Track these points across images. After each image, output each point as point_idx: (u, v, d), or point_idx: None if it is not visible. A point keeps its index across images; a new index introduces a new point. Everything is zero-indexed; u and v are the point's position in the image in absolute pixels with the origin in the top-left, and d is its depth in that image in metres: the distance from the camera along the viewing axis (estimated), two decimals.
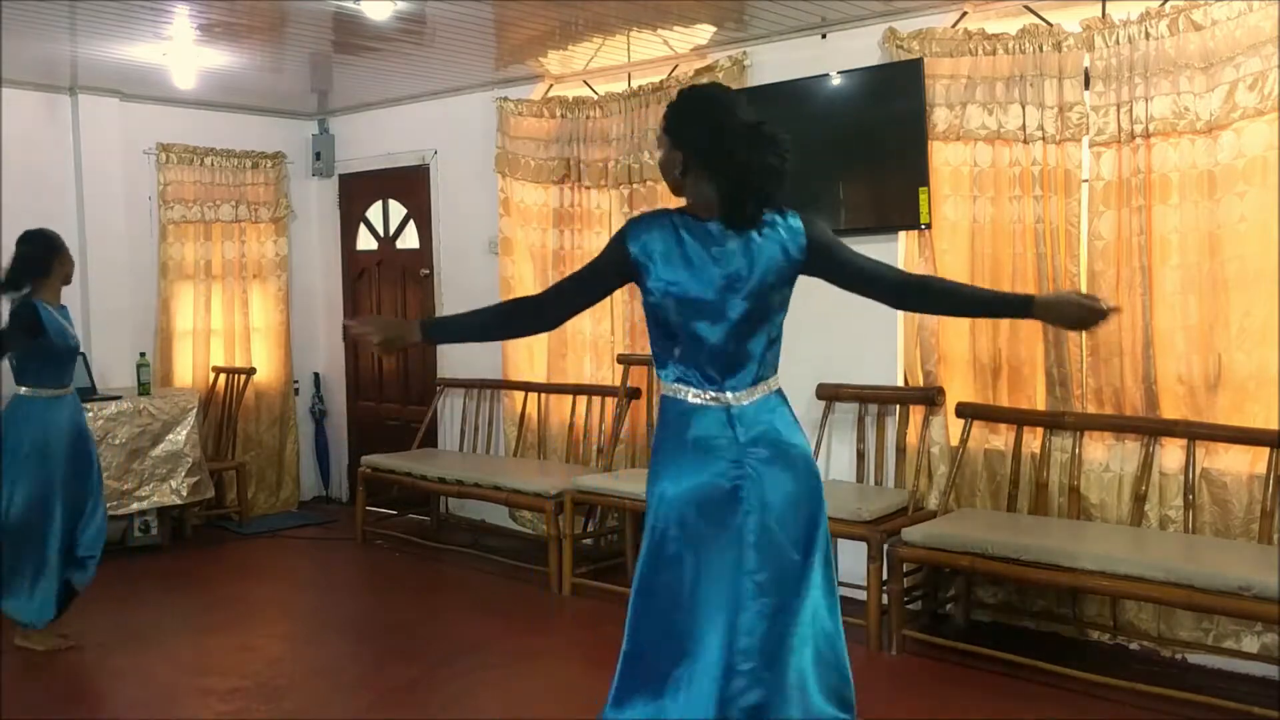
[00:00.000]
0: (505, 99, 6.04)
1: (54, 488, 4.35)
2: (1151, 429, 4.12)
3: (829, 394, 4.90)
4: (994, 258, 4.49)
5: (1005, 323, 4.47)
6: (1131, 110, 4.07)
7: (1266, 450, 3.85)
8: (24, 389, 4.35)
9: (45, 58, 5.42)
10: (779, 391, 2.50)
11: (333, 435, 7.47)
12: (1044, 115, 4.28)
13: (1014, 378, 4.50)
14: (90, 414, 5.66)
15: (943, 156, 4.58)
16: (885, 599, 4.25)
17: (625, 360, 5.55)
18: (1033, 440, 4.42)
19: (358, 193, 7.23)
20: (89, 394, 5.87)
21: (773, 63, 5.06)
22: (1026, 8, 4.39)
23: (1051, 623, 4.40)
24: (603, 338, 5.87)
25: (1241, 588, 3.41)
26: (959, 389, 4.63)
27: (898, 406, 4.75)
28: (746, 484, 2.39)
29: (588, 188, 5.82)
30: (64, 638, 4.45)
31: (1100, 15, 4.19)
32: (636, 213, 5.45)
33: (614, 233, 2.51)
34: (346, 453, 7.40)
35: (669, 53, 5.29)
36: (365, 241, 7.24)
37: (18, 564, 4.33)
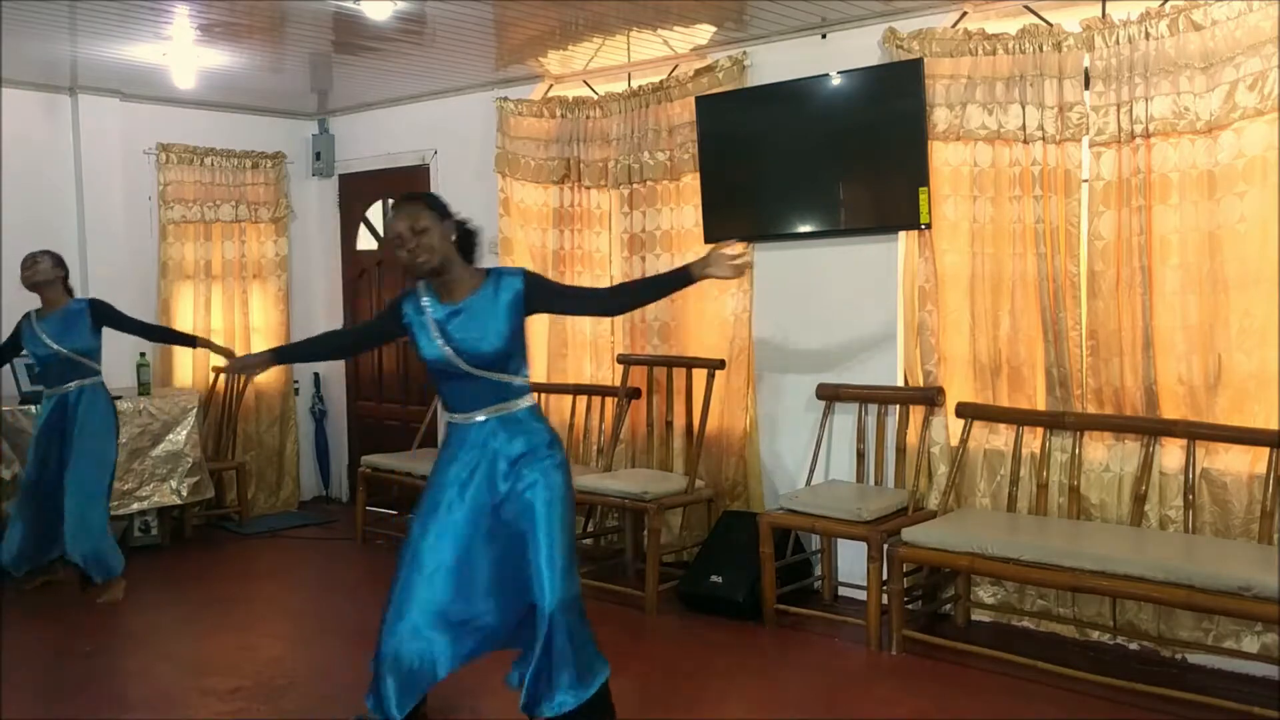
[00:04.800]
0: (505, 99, 6.04)
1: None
2: (1151, 429, 4.12)
3: (829, 394, 4.90)
4: (994, 258, 4.49)
5: (1005, 323, 4.48)
6: (1131, 110, 4.07)
7: (1266, 450, 3.85)
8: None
9: (45, 58, 5.42)
10: None
11: (333, 435, 7.47)
12: (1044, 115, 4.28)
13: (1014, 378, 4.50)
14: None
15: (943, 156, 4.58)
16: (885, 599, 4.25)
17: (625, 360, 5.54)
18: (1033, 440, 4.42)
19: (358, 193, 7.23)
20: None
21: (773, 63, 5.06)
22: (1026, 8, 4.39)
23: (1051, 623, 4.40)
24: (603, 337, 5.86)
25: (1241, 588, 3.41)
26: (959, 389, 4.63)
27: (898, 406, 4.75)
28: None
29: (588, 188, 5.82)
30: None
31: (1100, 15, 4.19)
32: (637, 213, 5.56)
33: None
34: (346, 453, 7.40)
35: (669, 53, 5.28)
36: (365, 241, 7.24)
37: None
